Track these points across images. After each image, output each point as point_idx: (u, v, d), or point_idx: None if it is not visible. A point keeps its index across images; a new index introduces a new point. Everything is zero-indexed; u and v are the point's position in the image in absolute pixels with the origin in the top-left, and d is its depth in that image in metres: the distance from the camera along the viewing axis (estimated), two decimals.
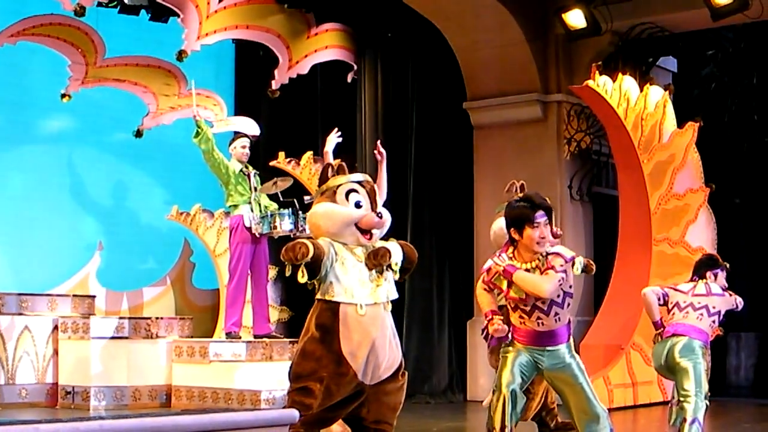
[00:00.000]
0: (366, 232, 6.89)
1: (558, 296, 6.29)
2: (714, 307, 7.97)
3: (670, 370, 7.93)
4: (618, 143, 12.29)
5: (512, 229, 6.33)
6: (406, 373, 7.14)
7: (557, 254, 6.30)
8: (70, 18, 11.84)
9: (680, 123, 12.76)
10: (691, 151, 12.73)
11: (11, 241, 12.37)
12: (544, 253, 6.31)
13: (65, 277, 12.73)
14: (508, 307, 6.48)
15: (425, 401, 12.47)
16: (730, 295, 8.13)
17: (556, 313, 6.32)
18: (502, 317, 6.47)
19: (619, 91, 11.91)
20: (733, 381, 14.23)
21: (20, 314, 10.43)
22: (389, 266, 6.90)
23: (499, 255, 6.43)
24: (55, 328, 10.50)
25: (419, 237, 12.58)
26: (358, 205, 6.89)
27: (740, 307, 8.18)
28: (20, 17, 12.05)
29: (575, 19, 12.32)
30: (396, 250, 6.92)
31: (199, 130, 10.15)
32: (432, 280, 12.93)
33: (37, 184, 12.69)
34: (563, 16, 12.35)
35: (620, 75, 12.06)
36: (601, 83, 11.68)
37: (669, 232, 12.39)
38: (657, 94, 12.55)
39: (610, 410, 6.63)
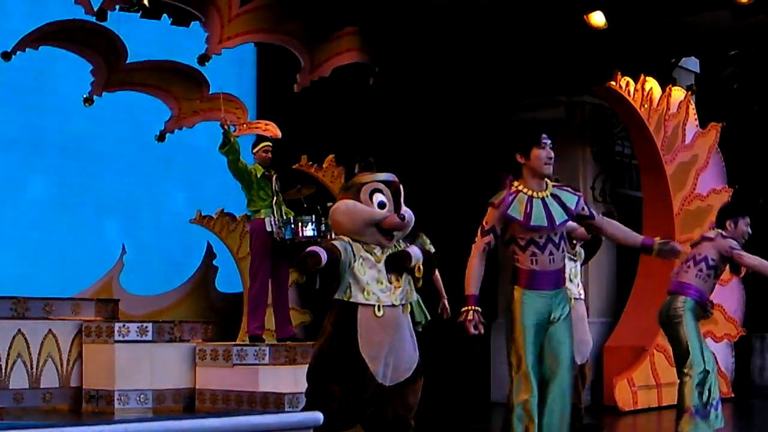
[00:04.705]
0: (387, 233, 6.79)
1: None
2: (700, 254, 7.56)
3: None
4: (641, 144, 12.26)
5: (518, 153, 6.25)
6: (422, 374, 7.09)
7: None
8: (92, 22, 11.86)
9: (703, 124, 12.72)
10: (714, 151, 12.69)
11: (34, 246, 12.40)
12: (552, 180, 6.23)
13: (89, 281, 12.74)
14: (516, 249, 6.34)
15: (448, 403, 12.45)
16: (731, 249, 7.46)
17: (552, 253, 6.27)
18: (480, 309, 6.31)
19: (641, 92, 11.88)
20: (757, 381, 14.16)
21: (44, 318, 10.44)
22: (410, 270, 6.85)
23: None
24: (79, 332, 10.51)
25: (442, 237, 12.56)
26: (381, 206, 6.78)
27: (733, 253, 7.47)
28: (42, 22, 12.08)
29: (598, 19, 12.27)
30: (417, 256, 6.87)
31: (226, 140, 10.12)
32: (454, 280, 12.88)
33: (60, 189, 12.73)
34: (586, 16, 12.31)
35: (643, 76, 12.02)
36: (623, 84, 11.65)
37: (692, 233, 12.31)
38: (679, 95, 12.51)
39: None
